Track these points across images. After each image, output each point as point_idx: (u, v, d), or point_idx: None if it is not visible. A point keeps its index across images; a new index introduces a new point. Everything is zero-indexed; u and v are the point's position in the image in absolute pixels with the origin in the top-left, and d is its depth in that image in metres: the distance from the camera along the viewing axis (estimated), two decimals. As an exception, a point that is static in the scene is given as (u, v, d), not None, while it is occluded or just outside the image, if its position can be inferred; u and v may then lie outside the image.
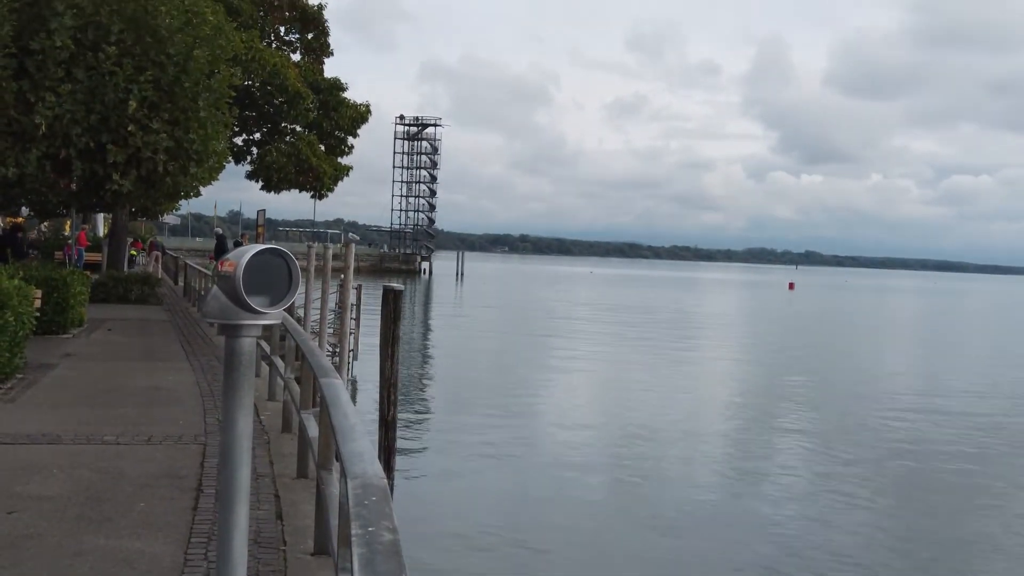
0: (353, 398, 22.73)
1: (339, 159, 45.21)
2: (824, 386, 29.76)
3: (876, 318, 73.46)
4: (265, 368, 12.26)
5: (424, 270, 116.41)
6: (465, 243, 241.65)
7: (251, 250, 3.63)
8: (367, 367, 22.45)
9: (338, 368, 21.19)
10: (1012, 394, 29.66)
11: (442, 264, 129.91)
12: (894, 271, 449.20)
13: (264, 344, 11.59)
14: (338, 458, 3.80)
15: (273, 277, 3.65)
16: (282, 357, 11.00)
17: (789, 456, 18.97)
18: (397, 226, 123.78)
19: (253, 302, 3.59)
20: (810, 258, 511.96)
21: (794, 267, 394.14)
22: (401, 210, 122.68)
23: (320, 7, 44.36)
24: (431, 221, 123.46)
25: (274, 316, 3.74)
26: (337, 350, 22.07)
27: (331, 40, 45.89)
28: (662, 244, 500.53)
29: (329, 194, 45.28)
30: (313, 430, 6.24)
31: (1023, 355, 44.78)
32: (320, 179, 42.79)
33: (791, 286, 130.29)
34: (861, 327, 61.00)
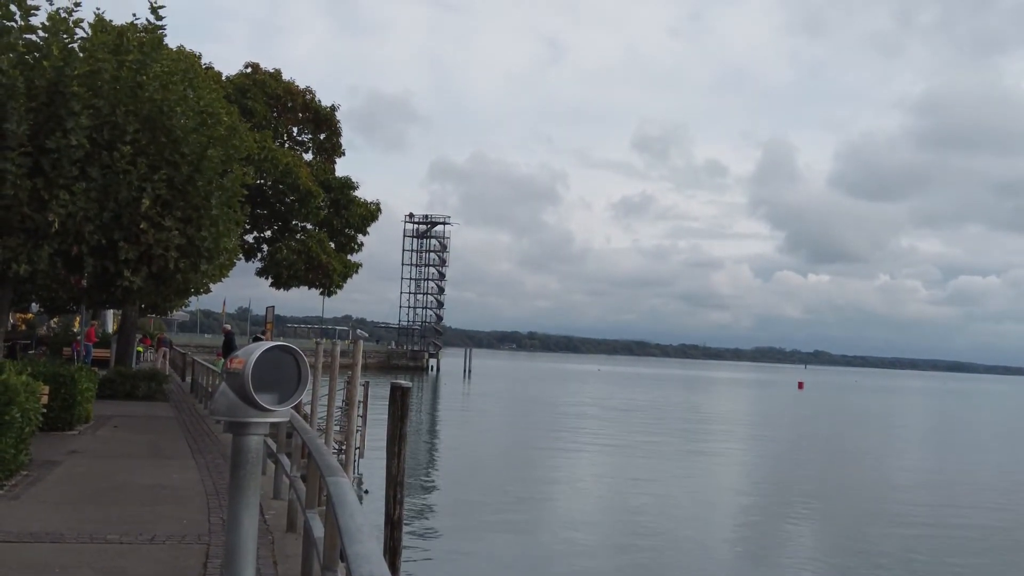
0: (358, 496, 22.47)
1: (349, 256, 45.56)
2: (833, 488, 29.35)
3: (885, 419, 72.78)
4: (271, 466, 12.15)
5: (432, 367, 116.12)
6: (473, 340, 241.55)
7: (260, 347, 3.63)
8: (374, 465, 22.26)
9: (344, 466, 21.00)
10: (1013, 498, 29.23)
11: (450, 361, 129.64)
12: (903, 371, 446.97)
13: (270, 441, 11.51)
14: (343, 559, 3.73)
15: (282, 374, 3.64)
16: (288, 455, 10.91)
17: (788, 551, 18.63)
18: (405, 323, 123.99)
19: (262, 399, 3.57)
20: (819, 357, 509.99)
21: (803, 367, 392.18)
22: (409, 307, 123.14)
23: (333, 108, 45.23)
24: (439, 318, 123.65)
25: (282, 414, 3.72)
26: (343, 447, 21.90)
27: (343, 140, 46.68)
28: (670, 342, 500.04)
29: (338, 291, 45.50)
30: (319, 530, 6.15)
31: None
32: (329, 276, 43.04)
33: (800, 386, 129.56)
34: (870, 427, 60.41)
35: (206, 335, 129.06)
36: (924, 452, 45.14)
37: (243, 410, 3.62)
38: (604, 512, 23.41)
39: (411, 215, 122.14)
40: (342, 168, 46.23)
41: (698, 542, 19.87)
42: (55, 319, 46.89)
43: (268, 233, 43.62)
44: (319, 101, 44.66)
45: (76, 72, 17.96)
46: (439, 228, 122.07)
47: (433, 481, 27.32)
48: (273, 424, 3.91)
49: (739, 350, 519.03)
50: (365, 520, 3.95)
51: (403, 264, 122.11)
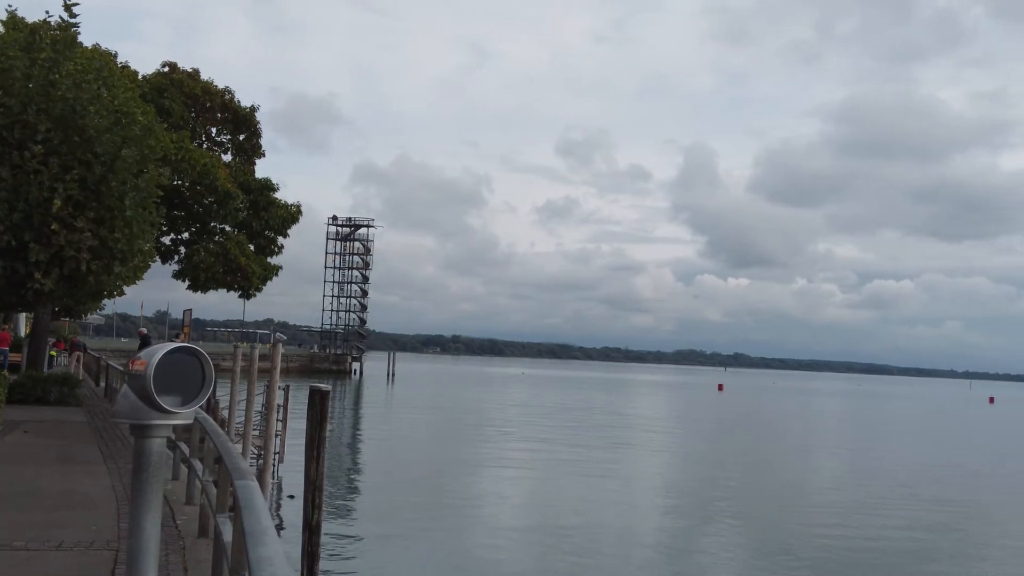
0: (277, 502, 22.25)
1: (269, 259, 44.98)
2: (750, 487, 29.89)
3: (801, 420, 74.31)
4: (184, 470, 11.97)
5: (355, 371, 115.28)
6: (397, 344, 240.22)
7: (163, 348, 3.59)
8: (297, 470, 22.04)
9: (263, 470, 20.78)
10: (922, 492, 30.09)
11: (373, 365, 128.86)
12: (820, 373, 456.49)
13: (184, 446, 11.35)
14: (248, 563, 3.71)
15: (186, 377, 3.61)
16: (201, 459, 10.77)
17: (709, 550, 18.93)
18: (328, 327, 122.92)
19: (164, 402, 3.54)
20: (738, 360, 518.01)
21: (723, 369, 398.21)
22: (332, 310, 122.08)
23: (253, 109, 44.64)
24: (362, 322, 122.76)
25: (185, 416, 3.69)
26: (262, 452, 21.65)
27: (263, 141, 46.09)
28: (593, 345, 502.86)
29: (257, 294, 44.88)
30: (228, 534, 6.10)
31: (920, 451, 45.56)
32: (248, 279, 42.43)
33: (720, 388, 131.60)
34: (786, 428, 61.66)
35: (122, 339, 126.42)
36: (837, 452, 46.17)
37: (145, 412, 3.58)
38: (527, 515, 23.50)
39: (334, 218, 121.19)
40: (263, 170, 45.71)
41: (619, 543, 20.07)
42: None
43: (186, 235, 42.84)
44: (239, 101, 44.03)
45: (-15, 69, 17.48)
46: (362, 231, 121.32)
47: (355, 485, 27.15)
48: (187, 427, 3.88)
49: (661, 352, 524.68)
50: (271, 523, 3.94)
51: (326, 267, 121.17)
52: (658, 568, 17.94)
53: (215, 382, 3.74)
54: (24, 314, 45.17)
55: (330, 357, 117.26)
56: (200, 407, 3.80)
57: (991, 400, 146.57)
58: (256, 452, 23.58)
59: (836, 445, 50.57)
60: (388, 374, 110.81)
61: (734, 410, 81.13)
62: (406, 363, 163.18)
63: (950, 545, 21.53)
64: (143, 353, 3.61)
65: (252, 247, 43.68)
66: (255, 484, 4.98)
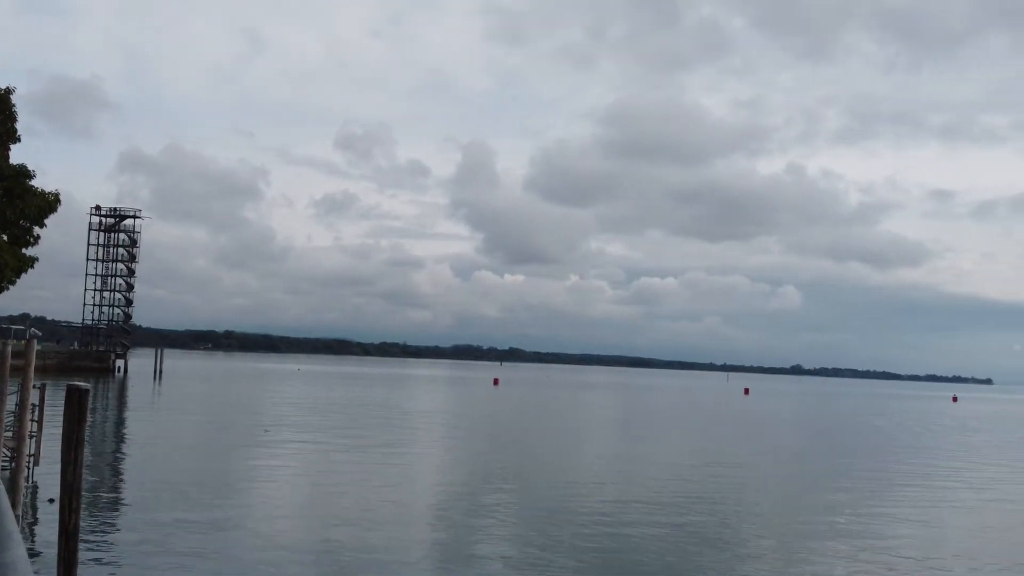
0: (33, 506, 21.06)
1: (24, 250, 42.39)
2: (524, 478, 30.71)
3: (574, 412, 76.89)
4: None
5: (119, 368, 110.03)
6: (166, 340, 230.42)
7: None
8: (54, 473, 20.92)
9: (16, 473, 19.62)
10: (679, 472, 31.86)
11: (139, 362, 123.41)
12: (592, 367, 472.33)
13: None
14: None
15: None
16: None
17: (487, 535, 19.38)
18: (90, 322, 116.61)
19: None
20: (514, 355, 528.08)
21: (499, 363, 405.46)
22: (95, 305, 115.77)
23: (7, 91, 41.93)
24: (127, 317, 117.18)
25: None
26: (15, 454, 20.44)
27: (19, 126, 43.35)
28: (372, 341, 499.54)
29: (11, 287, 42.22)
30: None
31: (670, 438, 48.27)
32: (1, 271, 39.86)
33: (496, 382, 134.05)
34: (559, 420, 63.67)
35: None
36: (605, 442, 48.12)
37: None
38: (299, 515, 23.24)
39: (98, 208, 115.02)
40: (18, 156, 42.89)
41: (396, 537, 20.19)
42: None
43: (-70, 223, 39.80)
44: (-10, 82, 41.30)
45: None
46: (128, 222, 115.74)
47: (117, 488, 26.02)
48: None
49: (439, 348, 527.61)
50: (15, 527, 3.82)
51: (88, 260, 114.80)
52: (430, 559, 18.18)
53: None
54: None
55: (92, 354, 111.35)
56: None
57: (746, 391, 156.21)
58: (8, 454, 22.26)
59: (603, 437, 52.64)
60: (155, 371, 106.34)
61: (507, 404, 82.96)
62: (175, 360, 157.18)
63: (709, 531, 22.88)
64: None
65: (5, 237, 41.05)
66: None
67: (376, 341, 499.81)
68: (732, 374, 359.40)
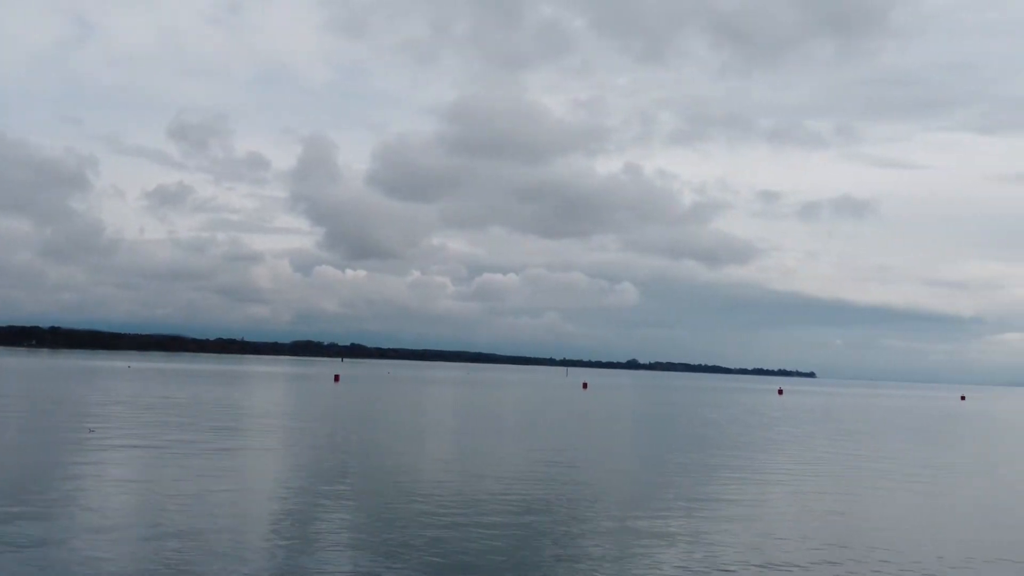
0: None
1: None
2: (367, 476, 30.15)
3: (415, 408, 76.49)
4: None
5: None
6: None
7: None
8: None
9: None
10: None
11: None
12: (434, 363, 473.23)
13: None
14: None
15: None
16: None
17: (325, 541, 18.83)
18: None
19: None
20: (356, 351, 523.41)
21: (340, 360, 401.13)
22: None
23: None
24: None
25: None
26: None
27: None
28: (208, 337, 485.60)
29: None
30: None
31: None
32: None
33: (337, 378, 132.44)
34: (401, 417, 63.18)
35: None
36: (446, 439, 47.95)
37: None
38: (131, 517, 21.98)
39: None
40: None
41: (233, 539, 19.35)
42: None
43: None
44: None
45: None
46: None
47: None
48: None
49: (278, 344, 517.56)
50: None
51: None
52: (274, 561, 17.49)
53: None
54: None
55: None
56: None
57: (584, 386, 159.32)
58: None
59: (444, 434, 52.47)
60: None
61: (347, 400, 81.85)
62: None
63: (546, 529, 22.89)
64: None
65: None
66: None
67: (212, 337, 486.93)
68: (571, 369, 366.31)
